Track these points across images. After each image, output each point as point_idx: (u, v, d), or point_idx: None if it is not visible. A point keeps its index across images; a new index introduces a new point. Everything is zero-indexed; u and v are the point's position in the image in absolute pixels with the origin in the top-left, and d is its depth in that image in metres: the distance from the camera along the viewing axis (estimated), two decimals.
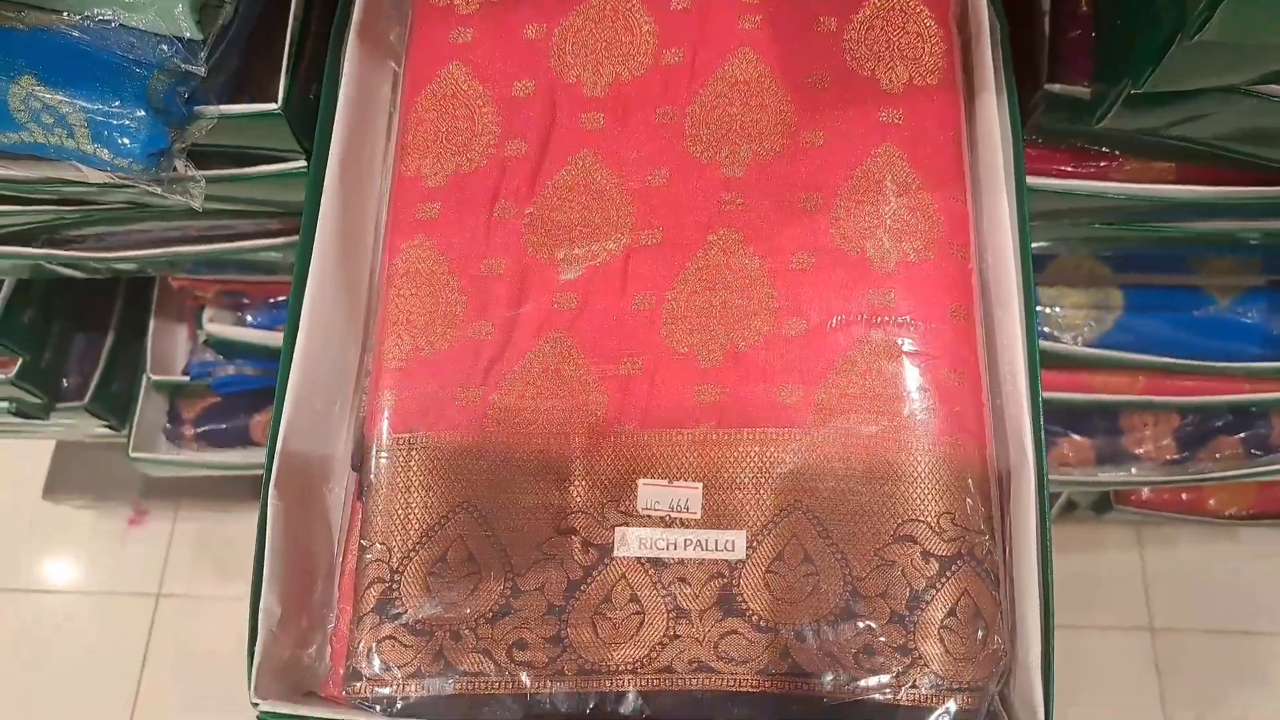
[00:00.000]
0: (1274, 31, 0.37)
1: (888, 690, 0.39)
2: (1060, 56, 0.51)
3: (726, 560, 0.41)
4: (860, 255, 0.43)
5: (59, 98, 0.45)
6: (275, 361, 0.82)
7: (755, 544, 0.41)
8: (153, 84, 0.46)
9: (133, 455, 0.90)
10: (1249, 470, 0.79)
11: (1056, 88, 0.50)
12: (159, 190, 0.47)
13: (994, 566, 0.40)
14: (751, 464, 0.42)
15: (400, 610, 0.41)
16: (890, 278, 0.43)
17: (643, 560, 0.41)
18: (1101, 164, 0.55)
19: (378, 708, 0.40)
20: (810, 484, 0.41)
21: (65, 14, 0.45)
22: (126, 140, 0.45)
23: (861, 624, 0.39)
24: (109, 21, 0.45)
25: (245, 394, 0.89)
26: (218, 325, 0.82)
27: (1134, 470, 0.81)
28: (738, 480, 0.42)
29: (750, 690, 0.39)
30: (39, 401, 0.93)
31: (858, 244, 0.44)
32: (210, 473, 0.93)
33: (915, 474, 0.40)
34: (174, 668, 1.19)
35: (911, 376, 0.41)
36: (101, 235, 0.65)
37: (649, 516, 0.41)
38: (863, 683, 0.39)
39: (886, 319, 0.42)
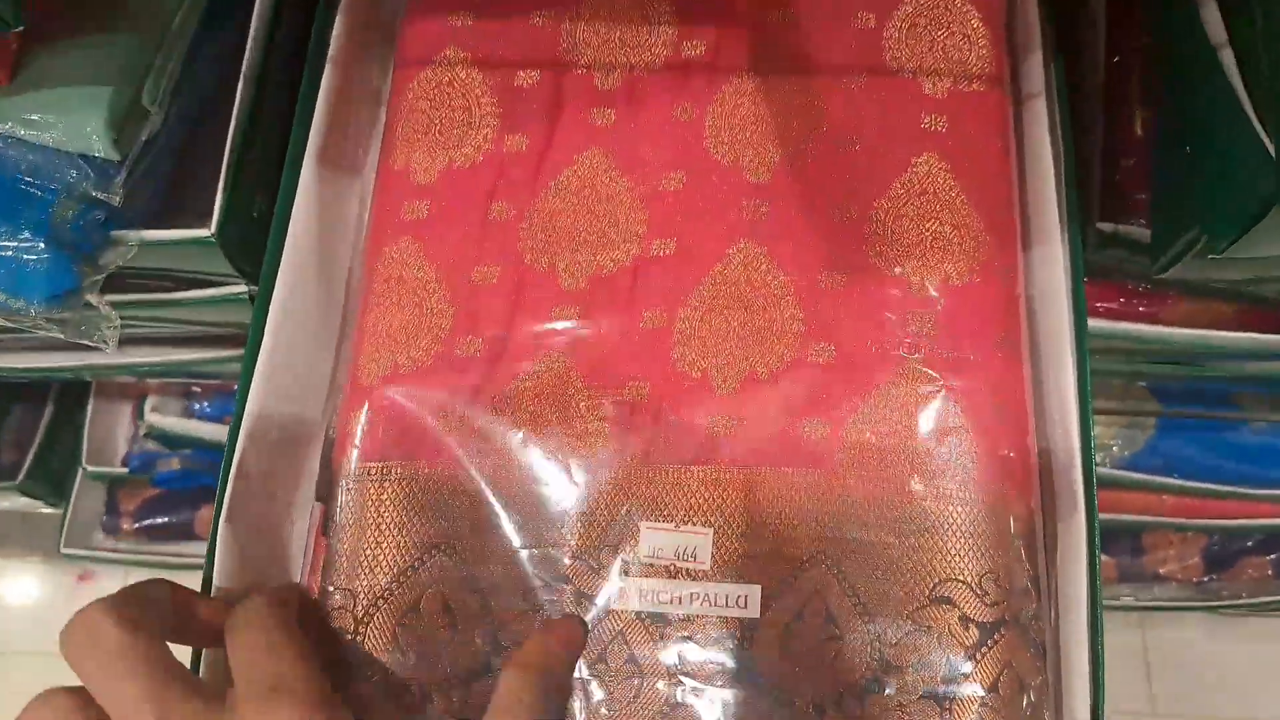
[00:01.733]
0: None
1: None
2: (1113, 187, 0.45)
3: (738, 619, 0.35)
4: (898, 275, 0.38)
5: None
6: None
7: (771, 601, 0.35)
8: (58, 212, 0.39)
9: (65, 551, 0.82)
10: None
11: (1108, 227, 0.44)
12: (61, 335, 0.40)
13: (1040, 634, 0.35)
14: (769, 508, 0.36)
15: (366, 668, 0.35)
16: (931, 301, 0.38)
17: (643, 615, 0.36)
18: (1152, 302, 0.49)
19: None
20: (835, 534, 0.36)
21: None
22: (24, 281, 0.38)
23: (891, 699, 0.34)
24: (5, 137, 0.38)
25: (191, 488, 0.81)
26: (161, 416, 0.74)
27: (1156, 590, 0.75)
28: (753, 527, 0.36)
29: None
30: None
31: (895, 262, 0.38)
32: (148, 568, 0.85)
33: (955, 526, 0.35)
34: None
35: (952, 414, 0.36)
36: (19, 337, 0.57)
37: (651, 565, 0.36)
38: None
39: (925, 348, 0.37)
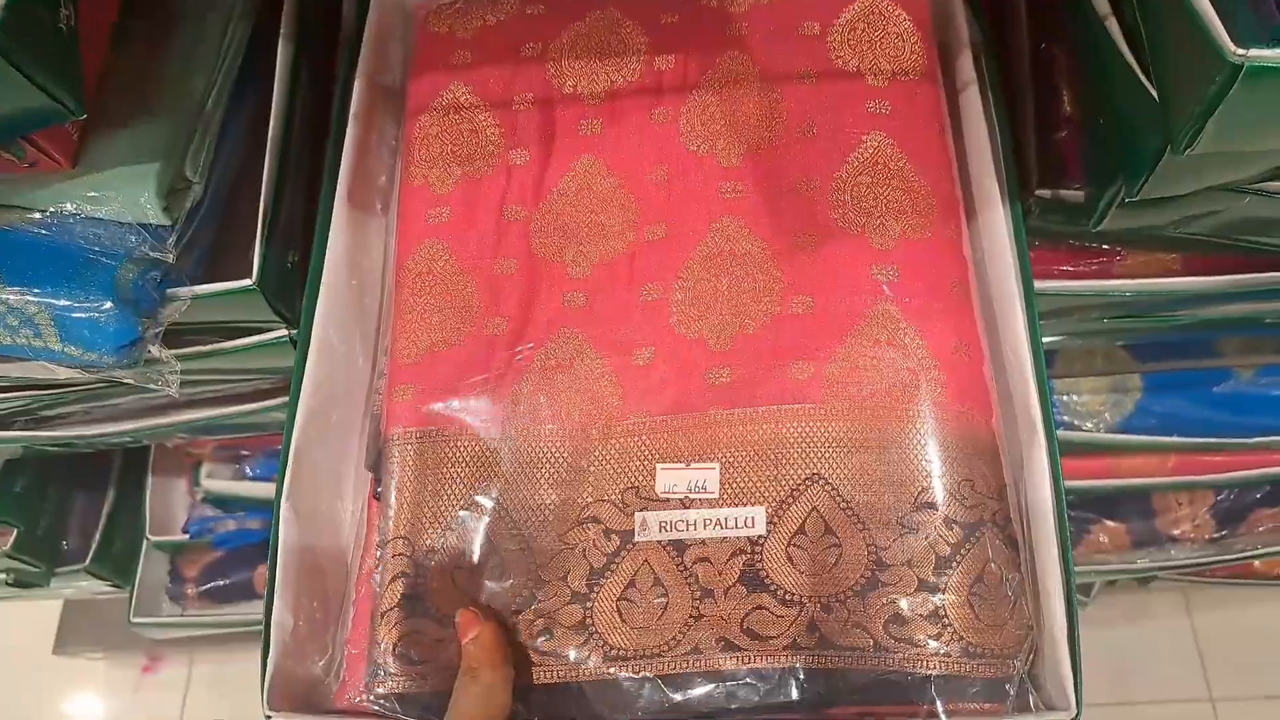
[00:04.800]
0: (1268, 138, 0.35)
1: (919, 659, 0.38)
2: (1050, 158, 0.49)
3: (747, 537, 0.40)
4: (860, 233, 0.44)
5: (24, 298, 0.43)
6: None
7: (775, 519, 0.40)
8: (121, 274, 0.44)
9: (134, 621, 0.87)
10: None
11: (1048, 193, 0.48)
12: (131, 380, 0.46)
13: (1013, 536, 0.40)
14: (767, 441, 0.41)
15: (426, 604, 0.40)
16: (891, 254, 0.43)
17: (664, 543, 0.41)
18: (1102, 259, 0.53)
19: (403, 704, 0.39)
20: (826, 457, 0.41)
21: (27, 210, 0.44)
22: (95, 335, 0.44)
23: (888, 593, 0.39)
24: (73, 215, 0.44)
25: (247, 546, 0.86)
26: (216, 481, 0.80)
27: (1173, 552, 0.77)
28: (754, 457, 0.41)
29: (779, 666, 0.38)
30: (37, 570, 0.90)
31: (857, 222, 0.44)
32: (215, 631, 0.90)
33: (930, 442, 0.40)
34: None
35: (918, 349, 0.42)
36: (88, 409, 0.63)
37: (668, 500, 0.41)
38: (893, 653, 0.38)
39: (891, 294, 0.43)
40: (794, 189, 0.45)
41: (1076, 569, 0.39)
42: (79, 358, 0.45)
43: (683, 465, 0.42)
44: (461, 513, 0.42)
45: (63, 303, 0.44)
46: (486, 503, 0.42)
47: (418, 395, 0.43)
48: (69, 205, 0.44)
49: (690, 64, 0.48)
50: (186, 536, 0.85)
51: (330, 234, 0.46)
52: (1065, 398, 0.70)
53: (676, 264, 0.45)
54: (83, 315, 0.44)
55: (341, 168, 0.48)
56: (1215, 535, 0.77)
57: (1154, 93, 0.38)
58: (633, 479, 0.42)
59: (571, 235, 0.46)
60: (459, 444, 0.42)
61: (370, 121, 0.50)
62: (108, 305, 0.44)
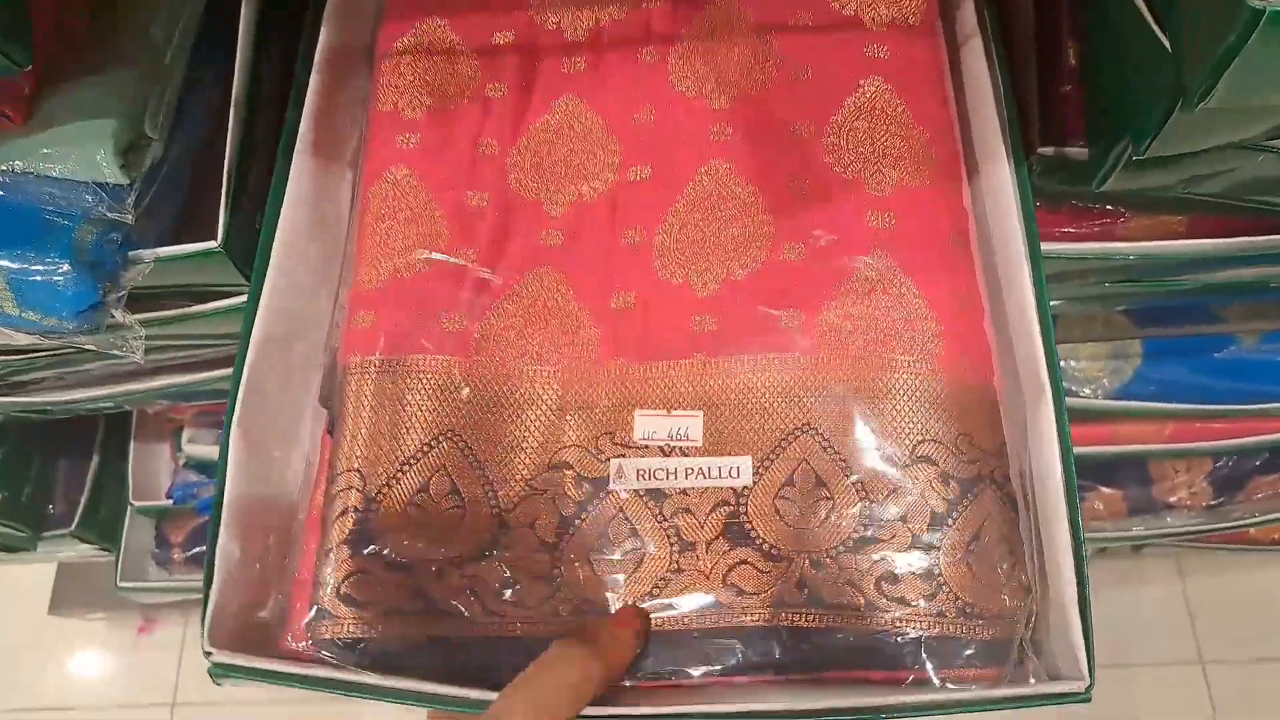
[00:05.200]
0: None
1: (913, 619, 0.36)
2: (1052, 114, 0.47)
3: (732, 487, 0.38)
4: (857, 178, 0.42)
5: None
6: None
7: (762, 469, 0.38)
8: (79, 236, 0.43)
9: (121, 585, 0.86)
10: None
11: (1050, 151, 0.46)
12: (93, 346, 0.44)
13: (1013, 495, 0.38)
14: (755, 390, 0.39)
15: (377, 542, 0.37)
16: (888, 201, 0.41)
17: (641, 492, 0.38)
18: (1105, 221, 0.51)
19: (346, 651, 0.36)
20: (818, 407, 0.39)
21: None
22: (54, 299, 0.42)
23: (881, 549, 0.37)
24: (27, 174, 0.42)
25: None
26: (197, 446, 0.79)
27: (1169, 519, 0.76)
28: (740, 407, 0.39)
29: (762, 624, 0.36)
30: (23, 535, 0.90)
31: (853, 168, 0.42)
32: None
33: (928, 395, 0.38)
34: None
35: (914, 299, 0.40)
36: (60, 375, 0.62)
37: (647, 447, 0.39)
38: (885, 612, 0.36)
39: (887, 242, 0.41)
40: (788, 133, 0.43)
41: None
42: (38, 323, 0.43)
43: (663, 412, 0.39)
44: (420, 448, 0.39)
45: (18, 266, 0.42)
46: (447, 439, 0.39)
47: (378, 322, 0.41)
48: (21, 163, 0.42)
49: (681, 5, 0.46)
50: (170, 502, 0.84)
51: (289, 182, 0.44)
52: (1064, 363, 0.69)
53: (662, 207, 0.43)
54: (40, 278, 0.42)
55: (304, 115, 0.45)
56: (1212, 503, 0.76)
57: (1166, 43, 0.36)
58: (608, 425, 0.39)
59: (550, 173, 0.44)
60: (420, 376, 0.40)
61: (336, 71, 0.47)
62: (65, 268, 0.42)
